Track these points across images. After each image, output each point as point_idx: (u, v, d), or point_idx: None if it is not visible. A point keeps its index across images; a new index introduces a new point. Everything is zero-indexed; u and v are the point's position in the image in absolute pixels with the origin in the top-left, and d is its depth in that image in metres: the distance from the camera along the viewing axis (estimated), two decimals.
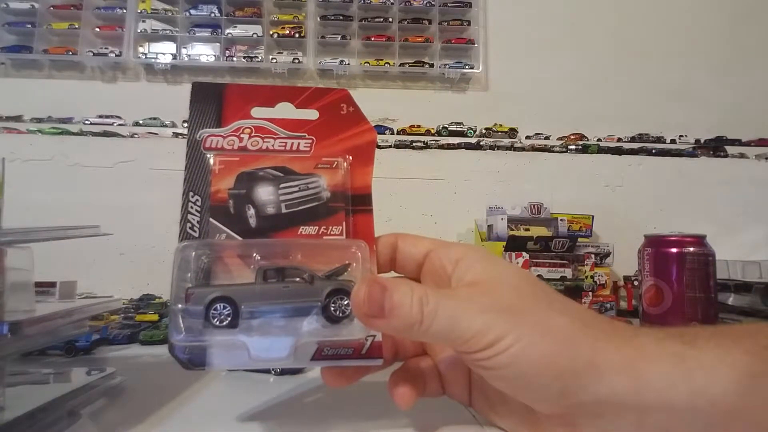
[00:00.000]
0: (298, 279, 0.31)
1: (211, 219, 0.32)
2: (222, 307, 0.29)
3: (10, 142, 1.07)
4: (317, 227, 0.32)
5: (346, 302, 0.30)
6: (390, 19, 1.26)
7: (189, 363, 0.29)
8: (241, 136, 0.33)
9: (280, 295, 0.30)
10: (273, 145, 0.34)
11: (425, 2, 1.26)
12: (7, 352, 0.31)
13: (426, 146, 1.16)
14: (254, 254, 0.31)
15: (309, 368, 0.33)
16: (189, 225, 0.32)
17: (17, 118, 1.13)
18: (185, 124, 1.16)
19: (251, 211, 0.32)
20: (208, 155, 0.33)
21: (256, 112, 0.34)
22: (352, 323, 0.30)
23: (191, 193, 0.32)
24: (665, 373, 0.27)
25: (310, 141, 0.34)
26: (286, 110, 0.35)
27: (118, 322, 0.68)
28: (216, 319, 0.29)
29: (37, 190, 1.00)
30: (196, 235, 0.32)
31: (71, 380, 0.40)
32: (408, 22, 1.26)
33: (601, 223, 1.05)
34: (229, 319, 0.29)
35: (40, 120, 1.13)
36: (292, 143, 0.34)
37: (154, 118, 1.16)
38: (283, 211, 0.33)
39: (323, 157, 0.34)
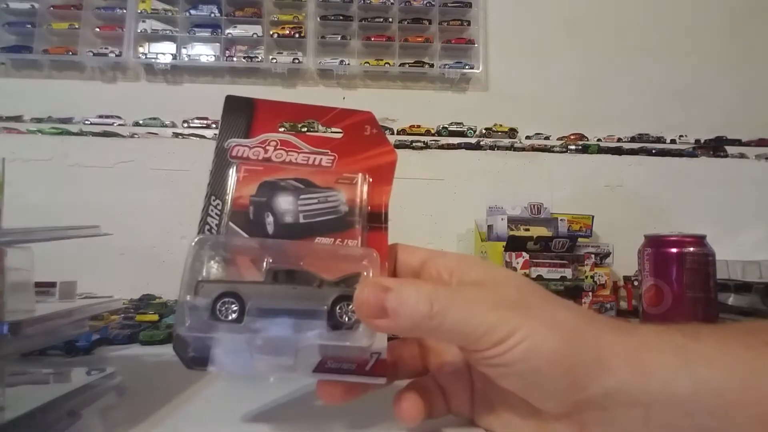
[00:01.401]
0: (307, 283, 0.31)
1: (230, 223, 0.33)
2: (229, 302, 0.29)
3: (10, 142, 1.07)
4: (333, 239, 0.33)
5: (352, 308, 0.30)
6: (390, 19, 1.26)
7: (191, 361, 0.30)
8: (267, 147, 0.34)
9: (287, 296, 0.30)
10: (296, 159, 0.35)
11: (425, 2, 1.26)
12: (7, 352, 0.31)
13: (426, 146, 1.16)
14: (267, 256, 0.32)
15: (313, 380, 0.32)
16: (208, 227, 0.32)
17: (17, 118, 1.13)
18: (185, 124, 1.17)
19: (270, 219, 0.33)
20: (233, 163, 0.34)
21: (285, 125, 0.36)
22: (358, 330, 0.30)
23: (213, 197, 0.33)
24: (667, 364, 0.27)
25: (332, 158, 0.36)
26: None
27: (118, 322, 0.68)
28: (222, 314, 0.29)
29: (37, 190, 1.01)
30: None
31: (71, 380, 0.40)
32: (408, 22, 1.26)
33: (601, 223, 1.05)
34: (235, 315, 0.29)
35: (40, 120, 1.13)
36: (315, 158, 0.35)
37: (154, 118, 1.16)
38: (301, 221, 0.34)
39: (344, 173, 0.36)
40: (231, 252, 0.32)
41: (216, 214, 0.33)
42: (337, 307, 0.30)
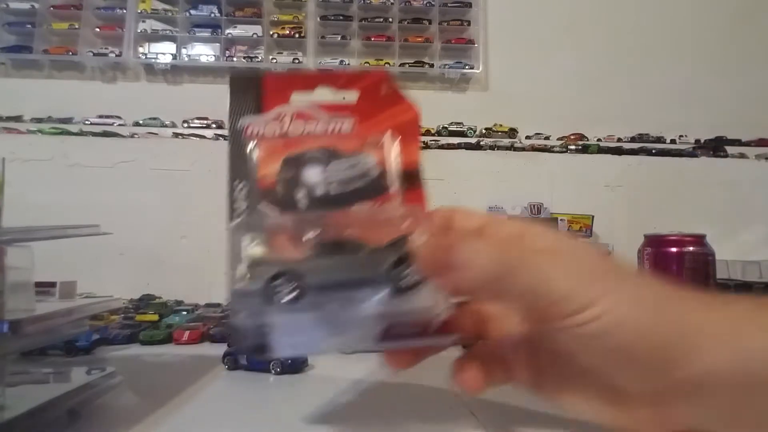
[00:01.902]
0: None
1: (260, 204, 0.31)
2: (284, 282, 0.27)
3: (10, 142, 1.07)
4: (370, 205, 0.31)
5: (412, 270, 0.27)
6: (390, 19, 1.26)
7: (253, 350, 0.29)
8: (283, 121, 0.33)
9: (341, 267, 0.28)
10: (315, 128, 0.33)
11: (425, 2, 1.26)
12: (8, 351, 0.31)
13: (426, 146, 1.16)
14: (307, 231, 0.29)
15: (379, 350, 0.30)
16: (237, 212, 0.31)
17: (17, 118, 1.13)
18: (185, 124, 1.17)
19: (300, 194, 0.32)
20: (250, 143, 0.32)
21: (296, 98, 0.34)
22: (421, 292, 0.27)
23: (236, 181, 0.31)
24: (767, 345, 0.24)
25: (352, 122, 0.34)
26: (325, 95, 0.35)
27: (118, 322, 0.68)
28: (278, 296, 0.27)
29: (37, 190, 1.00)
30: None
31: (71, 380, 0.40)
32: (408, 22, 1.26)
33: (601, 223, 1.05)
34: (292, 294, 0.27)
35: (40, 120, 1.13)
36: (334, 126, 0.34)
37: (154, 118, 1.16)
38: (334, 191, 0.32)
39: (368, 136, 0.33)
40: (269, 232, 0.30)
41: (243, 197, 0.31)
42: (396, 271, 0.28)
